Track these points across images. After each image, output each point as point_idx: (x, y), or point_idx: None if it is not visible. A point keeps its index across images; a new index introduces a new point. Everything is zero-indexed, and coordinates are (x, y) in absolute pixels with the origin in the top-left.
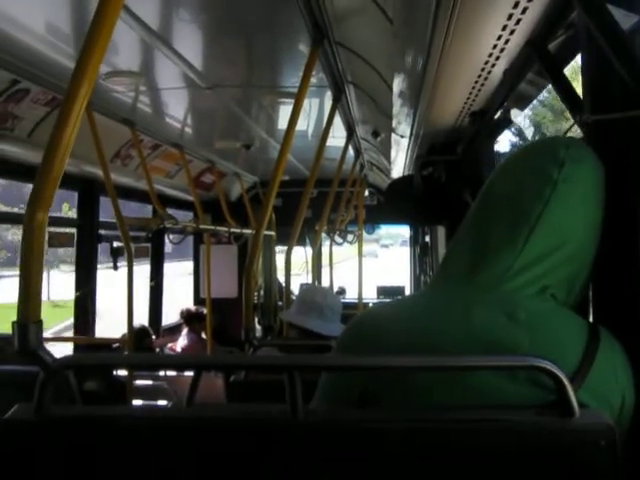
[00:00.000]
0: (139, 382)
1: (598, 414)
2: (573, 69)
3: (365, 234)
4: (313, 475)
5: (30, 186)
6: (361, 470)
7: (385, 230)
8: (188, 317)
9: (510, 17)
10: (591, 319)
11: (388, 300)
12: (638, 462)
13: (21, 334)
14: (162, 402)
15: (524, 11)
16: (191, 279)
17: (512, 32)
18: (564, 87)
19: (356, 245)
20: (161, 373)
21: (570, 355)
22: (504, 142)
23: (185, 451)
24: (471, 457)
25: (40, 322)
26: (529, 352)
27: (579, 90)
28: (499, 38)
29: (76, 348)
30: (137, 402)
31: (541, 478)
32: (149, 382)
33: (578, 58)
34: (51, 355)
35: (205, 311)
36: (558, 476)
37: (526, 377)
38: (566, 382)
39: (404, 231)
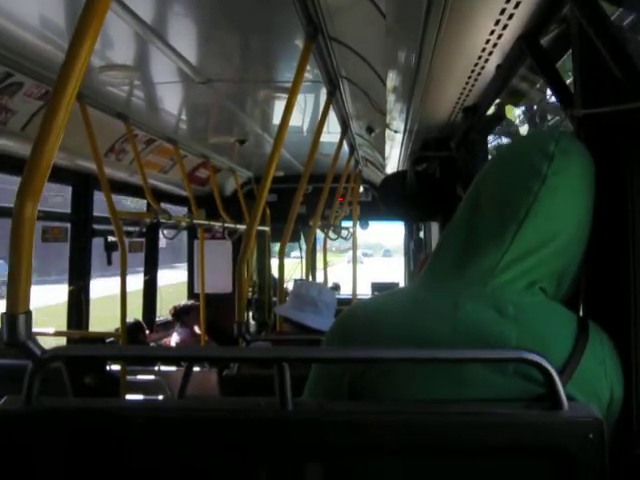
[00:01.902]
0: (132, 377)
1: (586, 407)
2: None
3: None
4: (302, 466)
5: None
6: (350, 462)
7: (364, 240)
8: (176, 313)
9: (503, 12)
10: (581, 313)
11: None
12: (626, 455)
13: (10, 325)
14: (155, 397)
15: (517, 5)
16: None
17: (505, 27)
18: (555, 81)
19: (339, 251)
20: (155, 368)
21: (558, 349)
22: None
23: (175, 443)
24: (460, 450)
25: (29, 313)
26: (517, 346)
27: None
28: (492, 33)
29: (69, 343)
30: (130, 397)
31: (529, 471)
32: (143, 377)
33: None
34: (40, 346)
35: (193, 304)
36: (546, 469)
37: (515, 370)
38: (555, 375)
39: (385, 241)
